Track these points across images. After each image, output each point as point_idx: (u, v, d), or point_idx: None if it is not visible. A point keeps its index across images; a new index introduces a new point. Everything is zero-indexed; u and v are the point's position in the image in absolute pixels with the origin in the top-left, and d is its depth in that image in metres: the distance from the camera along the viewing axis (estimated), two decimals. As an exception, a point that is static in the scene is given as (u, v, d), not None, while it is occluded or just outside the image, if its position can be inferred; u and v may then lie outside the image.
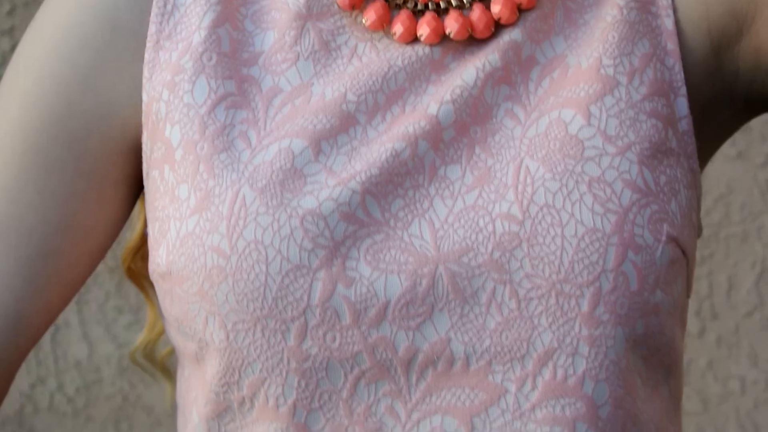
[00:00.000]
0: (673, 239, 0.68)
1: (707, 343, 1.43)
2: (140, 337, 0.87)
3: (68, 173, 0.72)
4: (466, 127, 0.68)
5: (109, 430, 1.41)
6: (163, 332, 0.86)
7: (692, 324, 1.43)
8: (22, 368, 1.39)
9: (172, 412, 1.46)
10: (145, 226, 0.80)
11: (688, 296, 0.73)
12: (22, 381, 1.39)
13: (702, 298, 1.42)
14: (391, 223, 0.67)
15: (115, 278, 1.39)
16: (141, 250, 0.82)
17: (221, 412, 0.70)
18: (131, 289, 1.41)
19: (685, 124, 0.70)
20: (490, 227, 0.66)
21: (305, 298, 0.66)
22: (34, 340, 0.74)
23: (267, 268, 0.66)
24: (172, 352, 0.89)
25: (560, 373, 0.66)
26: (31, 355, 1.39)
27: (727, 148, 1.39)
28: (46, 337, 1.39)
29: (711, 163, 1.41)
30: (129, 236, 0.85)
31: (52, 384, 1.40)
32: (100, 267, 1.39)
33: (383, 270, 0.66)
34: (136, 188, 0.75)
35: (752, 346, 1.43)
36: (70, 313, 1.39)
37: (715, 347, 1.43)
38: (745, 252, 1.41)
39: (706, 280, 1.42)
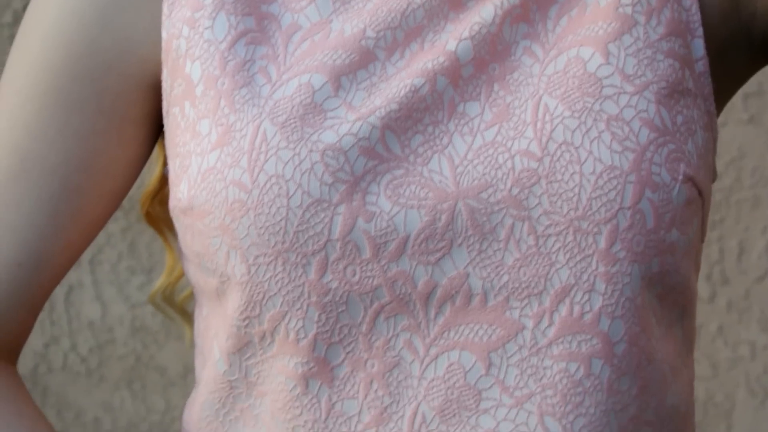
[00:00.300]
0: (689, 179, 0.68)
1: (717, 308, 1.44)
2: (159, 281, 0.87)
3: (89, 111, 0.72)
4: (485, 64, 0.68)
5: (122, 390, 1.42)
6: (181, 276, 0.87)
7: (703, 289, 1.44)
8: (36, 328, 1.40)
9: (184, 372, 1.47)
10: (164, 167, 0.81)
11: (702, 240, 0.73)
12: (35, 341, 1.40)
13: (713, 263, 1.43)
14: (411, 158, 0.67)
15: (128, 239, 1.40)
16: (159, 194, 0.83)
17: (242, 347, 0.70)
18: (144, 250, 1.43)
19: (702, 65, 0.70)
20: (509, 164, 0.66)
21: (326, 231, 0.66)
22: (57, 278, 0.75)
23: (288, 201, 0.66)
24: (191, 296, 0.89)
25: (577, 309, 0.67)
26: (45, 315, 1.40)
27: (739, 113, 1.39)
28: (60, 297, 1.40)
29: (723, 126, 1.42)
30: (147, 180, 0.85)
31: (65, 344, 1.41)
32: (113, 227, 1.39)
33: (403, 205, 0.66)
34: (155, 127, 0.75)
35: (763, 311, 1.44)
36: (83, 273, 1.40)
37: (726, 312, 1.44)
38: (756, 217, 1.42)
39: (716, 245, 1.43)
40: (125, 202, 1.37)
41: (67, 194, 0.73)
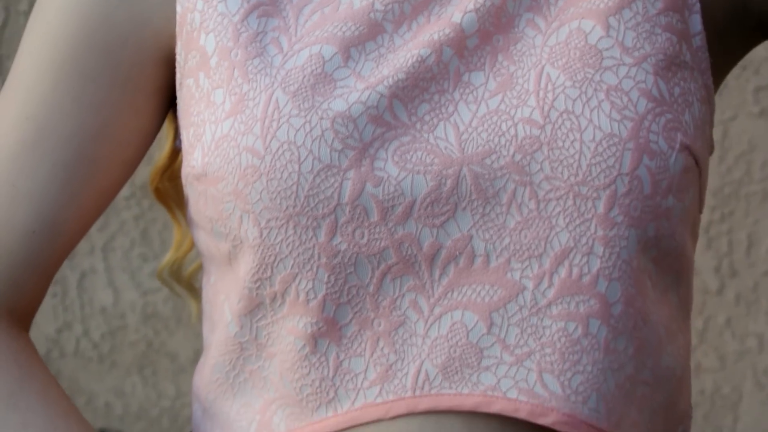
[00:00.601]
0: (686, 147, 0.71)
1: (726, 301, 1.44)
2: (167, 256, 0.90)
3: (103, 83, 0.75)
4: (489, 35, 0.71)
5: (133, 375, 1.44)
6: (188, 251, 0.90)
7: (711, 281, 1.44)
8: (48, 313, 1.41)
9: (195, 358, 1.48)
10: (174, 141, 0.84)
11: (700, 211, 0.76)
12: (48, 326, 1.42)
13: (721, 256, 1.44)
14: (418, 126, 0.70)
15: (141, 226, 1.42)
16: (168, 170, 0.86)
17: (253, 309, 0.73)
18: (156, 237, 1.44)
19: (699, 40, 0.73)
20: (512, 131, 0.69)
21: (336, 196, 0.69)
22: (70, 245, 0.78)
23: (299, 167, 0.69)
24: (197, 270, 0.92)
25: (575, 271, 0.70)
26: (58, 301, 1.41)
27: (749, 106, 1.39)
28: (72, 284, 1.41)
29: (733, 120, 1.42)
30: (156, 157, 0.88)
31: (78, 329, 1.42)
32: (126, 215, 1.41)
33: (410, 170, 0.69)
34: (166, 100, 0.78)
35: None
36: (96, 260, 1.41)
37: (734, 305, 1.44)
38: (765, 209, 1.42)
39: (725, 238, 1.43)
40: (137, 190, 1.38)
41: (81, 163, 0.75)
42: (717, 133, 1.42)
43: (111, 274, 1.42)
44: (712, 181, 1.44)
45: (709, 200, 1.44)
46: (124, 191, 1.39)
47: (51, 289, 1.41)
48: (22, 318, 0.78)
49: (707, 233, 1.45)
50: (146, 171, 1.37)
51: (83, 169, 0.76)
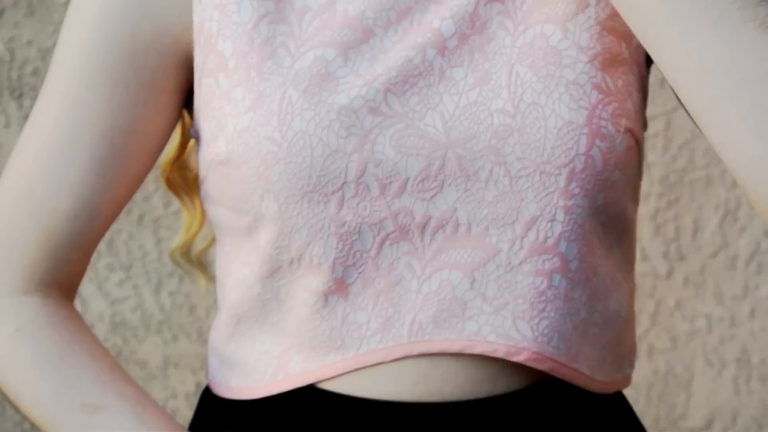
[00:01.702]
0: (629, 130, 0.86)
1: (675, 284, 1.54)
2: (178, 238, 1.05)
3: (131, 85, 0.90)
4: (466, 36, 0.85)
5: None
6: (197, 232, 1.05)
7: (660, 266, 1.54)
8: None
9: (164, 365, 1.56)
10: (183, 134, 0.99)
11: (640, 178, 0.92)
12: None
13: (669, 241, 1.54)
14: (410, 114, 0.84)
15: (106, 237, 1.50)
16: (178, 161, 1.01)
17: (274, 272, 0.87)
18: (122, 247, 1.53)
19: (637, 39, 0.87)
20: (489, 120, 0.83)
21: (343, 175, 0.83)
22: (107, 225, 0.93)
23: (312, 152, 0.83)
24: (205, 249, 1.07)
25: (542, 235, 0.85)
26: None
27: (689, 97, 1.50)
28: None
29: (675, 111, 1.51)
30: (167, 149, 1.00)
31: None
32: None
33: (404, 153, 0.83)
34: (183, 98, 0.93)
35: (717, 285, 1.55)
36: None
37: (683, 287, 1.55)
38: (709, 195, 1.53)
39: (672, 224, 1.53)
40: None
41: (113, 155, 0.91)
42: (660, 124, 1.52)
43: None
44: (658, 170, 1.53)
45: (655, 188, 1.53)
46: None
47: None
48: (68, 290, 0.94)
49: (655, 220, 1.54)
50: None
51: (116, 160, 0.90)
